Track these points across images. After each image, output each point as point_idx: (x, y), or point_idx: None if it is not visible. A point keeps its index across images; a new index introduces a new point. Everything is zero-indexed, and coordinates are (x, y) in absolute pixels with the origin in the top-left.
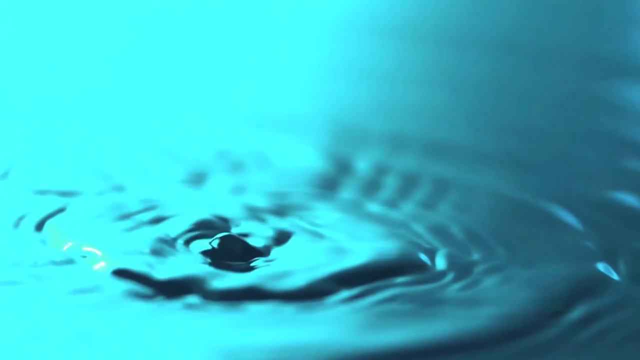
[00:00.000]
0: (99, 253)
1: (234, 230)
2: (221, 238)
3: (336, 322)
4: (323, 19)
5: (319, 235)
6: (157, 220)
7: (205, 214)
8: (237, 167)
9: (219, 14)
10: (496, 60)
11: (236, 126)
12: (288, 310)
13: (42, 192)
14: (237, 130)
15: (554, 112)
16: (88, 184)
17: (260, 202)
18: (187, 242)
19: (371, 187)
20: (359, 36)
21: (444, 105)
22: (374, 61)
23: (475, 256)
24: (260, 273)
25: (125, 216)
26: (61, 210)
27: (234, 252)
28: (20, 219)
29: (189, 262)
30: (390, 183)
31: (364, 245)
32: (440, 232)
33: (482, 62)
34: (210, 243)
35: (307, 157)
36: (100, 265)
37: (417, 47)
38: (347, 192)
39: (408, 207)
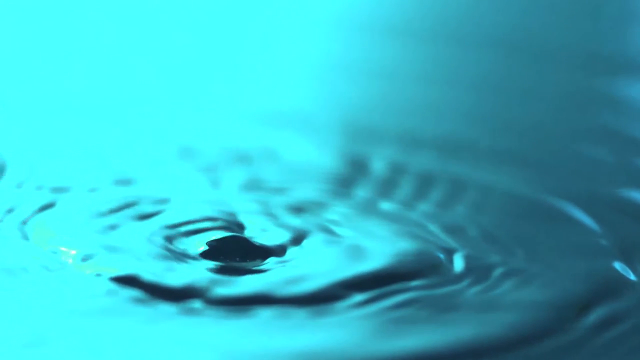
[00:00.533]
0: (97, 257)
1: (245, 230)
2: (226, 238)
3: (349, 328)
4: (331, 16)
5: (332, 236)
6: (162, 220)
7: (214, 212)
8: (247, 165)
9: (228, 11)
10: (501, 58)
11: (247, 124)
12: (299, 314)
13: (36, 188)
14: (248, 128)
15: (563, 111)
16: (87, 180)
17: (272, 201)
18: (193, 244)
19: (385, 185)
20: (367, 34)
21: (449, 104)
22: (382, 59)
23: (491, 257)
24: (270, 275)
25: (128, 215)
26: (53, 207)
27: (238, 253)
28: (6, 215)
29: (195, 265)
30: (402, 181)
31: (379, 247)
32: (455, 232)
33: (486, 61)
34: (208, 243)
35: (320, 156)
36: (100, 270)
37: (422, 46)
38: (360, 191)
39: (422, 207)
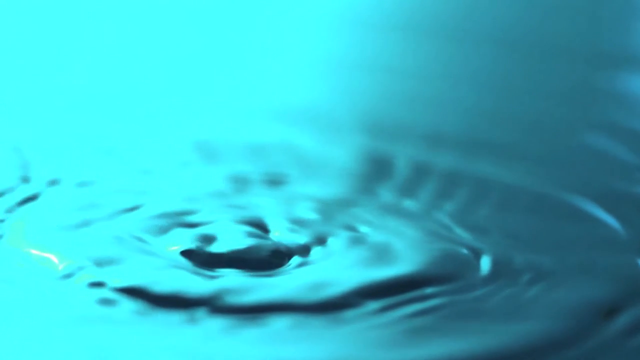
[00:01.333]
0: (97, 262)
1: (267, 229)
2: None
3: (367, 337)
4: (344, 13)
5: (355, 237)
6: (172, 220)
7: (232, 211)
8: (264, 163)
9: (243, 7)
10: (506, 55)
11: (265, 121)
12: (315, 323)
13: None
14: (266, 125)
15: (573, 107)
16: (89, 176)
17: (293, 199)
18: (206, 246)
19: (405, 184)
20: (381, 31)
21: (451, 100)
22: (395, 56)
23: (514, 259)
24: (283, 281)
25: (134, 214)
26: (46, 205)
27: (260, 256)
28: None
29: (209, 270)
30: (422, 179)
31: (402, 249)
32: (479, 233)
33: (491, 58)
34: (225, 250)
35: (337, 153)
36: (102, 277)
37: (426, 43)
38: (381, 189)
39: (443, 205)
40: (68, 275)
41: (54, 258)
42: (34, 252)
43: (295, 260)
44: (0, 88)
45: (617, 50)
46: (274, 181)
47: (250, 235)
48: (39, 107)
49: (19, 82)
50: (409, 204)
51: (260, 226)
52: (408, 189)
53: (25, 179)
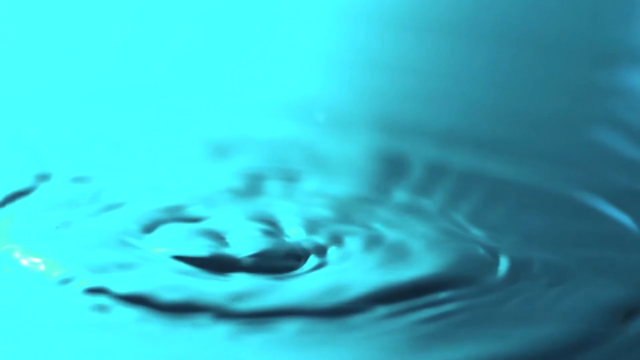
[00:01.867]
0: (98, 265)
1: (274, 234)
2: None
3: (380, 343)
4: (356, 11)
5: (366, 238)
6: (182, 220)
7: (245, 211)
8: (277, 160)
9: (254, 3)
10: (509, 53)
11: (275, 118)
12: (325, 328)
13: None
14: (277, 122)
15: (581, 105)
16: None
17: (304, 199)
18: (214, 248)
19: (417, 184)
20: (389, 28)
21: (453, 97)
22: (408, 54)
23: (531, 261)
24: (296, 284)
25: (138, 215)
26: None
27: (274, 258)
28: None
29: (218, 273)
30: (435, 179)
31: (416, 251)
32: (494, 234)
33: (493, 55)
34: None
35: (354, 153)
36: (105, 282)
37: (426, 40)
38: (395, 188)
39: (453, 204)
40: (66, 280)
41: (51, 260)
42: (31, 255)
43: (310, 262)
44: (3, 83)
45: (626, 47)
46: (288, 179)
47: (265, 235)
48: (51, 103)
49: (26, 79)
50: (424, 202)
51: (274, 225)
52: (423, 188)
53: (44, 177)
